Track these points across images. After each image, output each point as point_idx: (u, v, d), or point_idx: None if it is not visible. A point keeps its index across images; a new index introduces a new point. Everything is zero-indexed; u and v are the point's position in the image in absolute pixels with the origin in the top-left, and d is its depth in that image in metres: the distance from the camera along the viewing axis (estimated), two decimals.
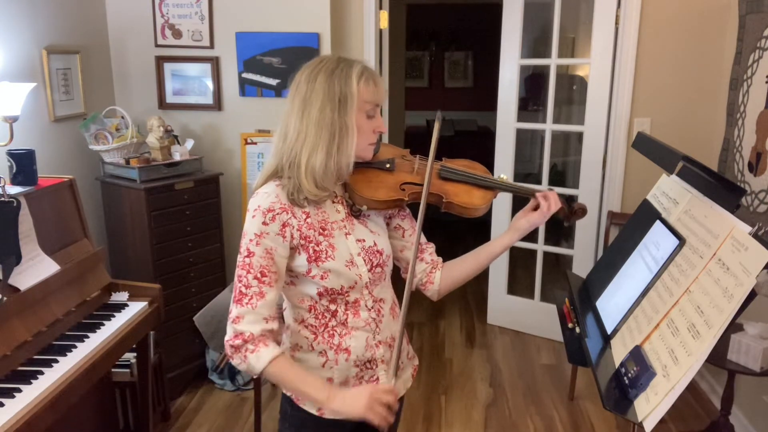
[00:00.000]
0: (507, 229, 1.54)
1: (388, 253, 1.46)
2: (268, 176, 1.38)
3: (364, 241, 1.42)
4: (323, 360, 1.40)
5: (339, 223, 1.40)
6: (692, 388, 3.20)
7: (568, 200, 1.58)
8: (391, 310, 1.49)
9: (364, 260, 1.40)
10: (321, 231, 1.36)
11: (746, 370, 2.18)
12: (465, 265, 1.55)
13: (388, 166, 1.45)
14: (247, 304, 1.29)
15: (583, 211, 1.60)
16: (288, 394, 1.46)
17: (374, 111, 1.37)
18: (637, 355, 1.38)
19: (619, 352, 1.48)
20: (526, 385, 3.31)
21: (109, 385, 2.60)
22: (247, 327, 1.28)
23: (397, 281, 1.54)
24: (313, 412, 1.42)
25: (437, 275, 1.54)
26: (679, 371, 1.24)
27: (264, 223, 1.30)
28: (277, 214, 1.31)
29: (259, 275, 1.29)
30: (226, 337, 1.30)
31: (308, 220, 1.35)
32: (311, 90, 1.32)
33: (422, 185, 1.42)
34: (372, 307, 1.42)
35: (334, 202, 1.42)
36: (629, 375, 1.35)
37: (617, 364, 1.43)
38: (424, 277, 1.55)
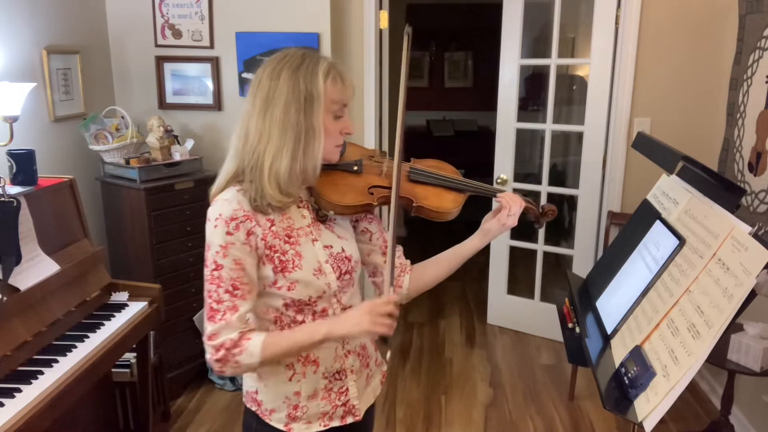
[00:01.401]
0: (478, 230, 1.49)
1: (356, 258, 1.40)
2: (227, 181, 1.28)
3: (331, 247, 1.34)
4: (290, 373, 1.34)
5: (305, 230, 1.32)
6: (692, 388, 3.20)
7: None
8: None
9: (333, 267, 1.33)
10: (287, 239, 1.28)
11: (746, 370, 2.18)
12: (435, 268, 1.50)
13: (355, 168, 1.38)
14: (220, 320, 1.21)
15: (552, 212, 1.55)
16: (253, 408, 1.39)
17: (342, 111, 1.29)
18: (637, 355, 1.38)
19: (619, 352, 1.47)
20: (526, 385, 3.31)
21: (109, 385, 2.60)
22: (224, 336, 1.21)
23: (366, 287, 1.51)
24: (280, 427, 1.36)
25: (406, 279, 1.48)
26: (679, 371, 1.24)
27: (228, 233, 1.21)
28: (241, 222, 1.22)
29: (230, 289, 1.21)
30: (207, 356, 1.23)
31: (273, 228, 1.26)
32: (274, 88, 1.23)
33: (391, 188, 1.34)
34: (338, 314, 1.36)
35: (299, 207, 1.33)
36: (629, 375, 1.35)
37: (617, 364, 1.43)
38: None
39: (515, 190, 3.68)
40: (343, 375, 1.38)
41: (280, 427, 1.36)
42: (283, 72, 1.24)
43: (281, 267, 1.27)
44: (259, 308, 1.32)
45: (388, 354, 1.33)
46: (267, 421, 1.37)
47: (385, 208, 1.40)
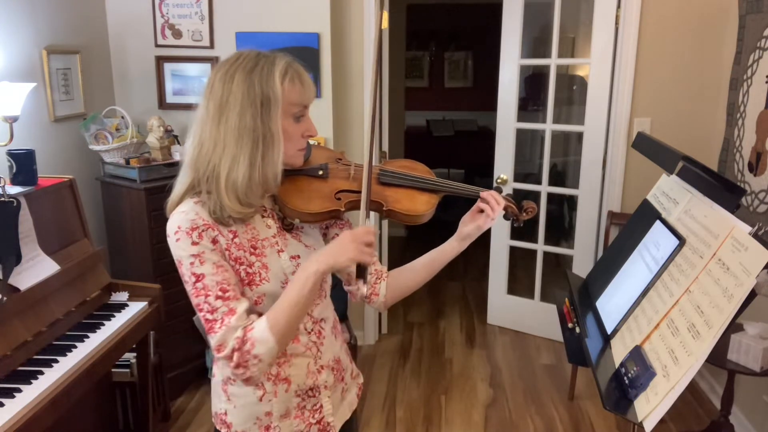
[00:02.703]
0: (455, 235, 1.41)
1: None
2: (183, 193, 1.21)
3: (298, 257, 1.27)
4: (260, 393, 1.27)
5: (270, 240, 1.25)
6: (692, 388, 3.20)
7: (516, 199, 1.48)
8: (333, 329, 1.37)
9: None
10: (252, 251, 1.21)
11: (746, 370, 2.18)
12: (413, 274, 1.43)
13: (321, 173, 1.30)
14: (221, 327, 1.13)
15: (533, 210, 1.48)
16: (222, 431, 1.34)
17: (303, 112, 1.22)
18: (637, 355, 1.38)
19: (619, 352, 1.47)
20: (526, 385, 3.31)
21: (109, 385, 2.60)
22: (230, 341, 1.13)
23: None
24: None
25: (382, 286, 1.41)
26: (679, 371, 1.24)
27: (194, 243, 1.14)
28: (203, 231, 1.15)
29: (220, 293, 1.14)
30: (230, 370, 1.16)
31: (236, 240, 1.19)
32: (228, 92, 1.15)
33: (360, 192, 1.27)
34: (312, 330, 1.30)
35: (263, 217, 1.26)
36: (629, 375, 1.35)
37: (617, 364, 1.43)
38: (368, 290, 1.39)
39: (515, 191, 3.69)
40: (316, 392, 1.32)
41: None
42: (236, 75, 1.16)
43: (248, 280, 1.20)
44: None
45: (366, 288, 1.27)
46: None
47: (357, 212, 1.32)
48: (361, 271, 1.21)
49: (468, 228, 1.39)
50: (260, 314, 1.19)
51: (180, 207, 1.19)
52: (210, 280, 1.15)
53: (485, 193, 1.39)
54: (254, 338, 1.13)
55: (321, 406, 1.34)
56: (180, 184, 1.23)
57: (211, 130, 1.17)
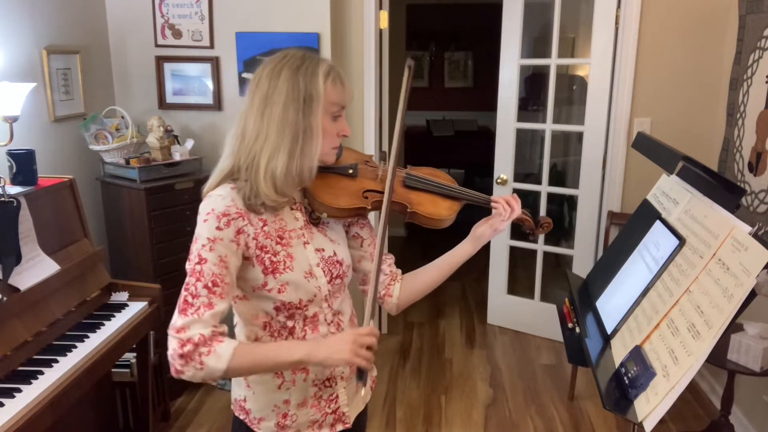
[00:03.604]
0: (469, 236, 1.46)
1: (348, 263, 1.38)
2: (221, 178, 1.26)
3: (323, 250, 1.33)
4: (279, 381, 1.32)
5: (297, 232, 1.30)
6: (692, 388, 3.20)
7: (534, 214, 1.54)
8: (350, 323, 1.42)
9: (324, 271, 1.31)
10: (278, 240, 1.26)
11: (746, 370, 2.18)
12: (426, 277, 1.47)
13: (350, 171, 1.36)
14: (193, 314, 1.16)
15: (549, 225, 1.54)
16: (241, 416, 1.37)
17: (340, 113, 1.29)
18: (637, 355, 1.38)
19: (619, 352, 1.48)
20: (526, 385, 3.31)
21: (109, 385, 2.60)
22: (195, 331, 1.15)
23: (354, 293, 1.47)
24: None
25: (396, 288, 1.45)
26: (679, 371, 1.24)
27: (218, 228, 1.19)
28: (233, 219, 1.20)
29: (209, 284, 1.18)
30: (170, 351, 1.16)
31: (265, 228, 1.25)
32: (274, 87, 1.22)
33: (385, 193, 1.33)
34: (331, 321, 1.35)
35: (292, 209, 1.32)
36: (629, 375, 1.35)
37: (617, 364, 1.43)
38: (382, 290, 1.44)
39: (515, 191, 3.69)
40: (333, 382, 1.36)
41: None
42: (283, 71, 1.23)
43: (272, 268, 1.25)
44: (248, 313, 1.30)
45: (363, 390, 1.32)
46: (255, 429, 1.35)
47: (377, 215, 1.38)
48: (360, 373, 1.23)
49: (481, 228, 1.45)
50: (281, 305, 1.26)
51: (217, 190, 1.24)
52: (208, 269, 1.18)
53: (502, 198, 1.44)
54: (215, 350, 1.16)
55: (337, 396, 1.38)
56: (218, 170, 1.28)
57: (255, 122, 1.23)
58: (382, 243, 1.32)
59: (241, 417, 1.37)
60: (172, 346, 1.17)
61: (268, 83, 1.23)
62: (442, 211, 1.41)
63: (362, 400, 1.47)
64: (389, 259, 1.48)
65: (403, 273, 1.50)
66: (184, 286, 1.20)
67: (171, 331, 1.17)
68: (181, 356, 1.15)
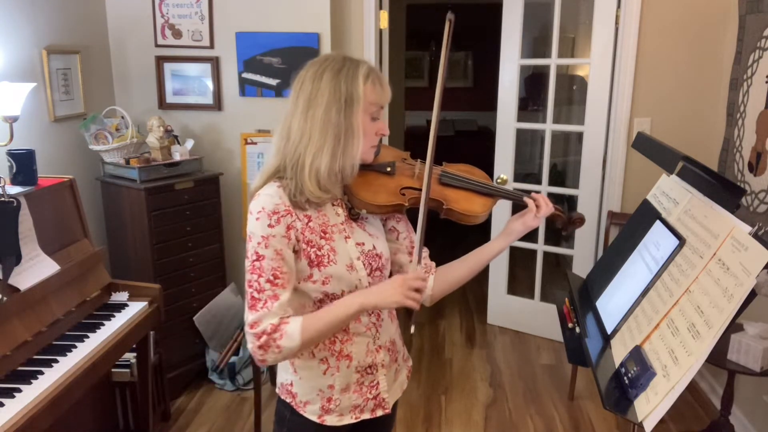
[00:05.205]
0: (501, 232, 1.53)
1: (386, 256, 1.45)
2: (268, 177, 1.34)
3: (363, 244, 1.40)
4: (324, 367, 1.39)
5: (339, 227, 1.37)
6: (692, 388, 3.20)
7: (568, 209, 1.59)
8: (389, 314, 1.48)
9: (364, 264, 1.38)
10: (322, 234, 1.33)
11: (746, 370, 2.18)
12: (459, 270, 1.53)
13: (388, 169, 1.42)
14: (262, 308, 1.25)
15: (581, 221, 1.59)
16: (287, 400, 1.43)
17: (378, 113, 1.35)
18: (637, 355, 1.38)
19: (619, 352, 1.47)
20: (526, 385, 3.31)
21: (109, 385, 2.60)
22: (266, 323, 1.25)
23: None
24: (314, 419, 1.41)
25: (430, 280, 1.51)
26: (679, 371, 1.24)
27: (270, 226, 1.27)
28: (282, 216, 1.28)
29: (271, 278, 1.26)
30: (249, 345, 1.26)
31: (310, 223, 1.32)
32: (316, 89, 1.29)
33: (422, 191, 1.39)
34: (372, 312, 1.41)
35: (334, 205, 1.39)
36: (629, 375, 1.35)
37: (617, 364, 1.43)
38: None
39: (515, 190, 3.68)
40: (374, 369, 1.43)
41: (314, 418, 1.41)
42: (325, 74, 1.29)
43: (317, 261, 1.32)
44: (296, 302, 1.36)
45: (413, 328, 1.38)
46: (301, 412, 1.42)
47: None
48: (409, 314, 1.31)
49: (514, 224, 1.50)
50: (325, 296, 1.33)
51: (264, 189, 1.31)
52: (267, 264, 1.26)
53: (534, 195, 1.51)
54: (285, 331, 1.25)
55: (377, 383, 1.45)
56: (265, 169, 1.36)
57: (299, 123, 1.30)
58: (420, 241, 1.37)
59: (288, 400, 1.44)
60: (250, 341, 1.26)
61: (311, 86, 1.30)
62: (476, 207, 1.46)
63: (400, 387, 1.54)
64: (424, 252, 1.52)
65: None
66: (246, 284, 1.28)
67: (246, 328, 1.27)
68: (260, 347, 1.25)
